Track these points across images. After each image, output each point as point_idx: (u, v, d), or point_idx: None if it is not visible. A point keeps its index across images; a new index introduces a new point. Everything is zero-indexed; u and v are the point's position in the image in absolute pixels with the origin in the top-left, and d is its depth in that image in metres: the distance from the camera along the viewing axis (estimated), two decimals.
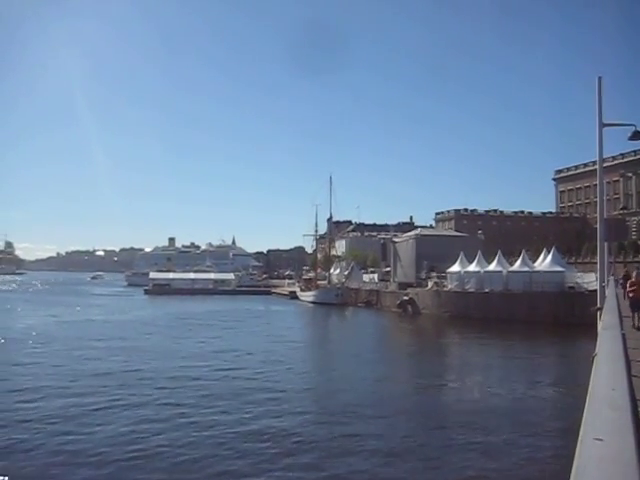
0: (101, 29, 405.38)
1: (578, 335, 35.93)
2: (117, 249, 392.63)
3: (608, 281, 28.64)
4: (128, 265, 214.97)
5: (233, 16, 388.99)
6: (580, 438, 3.22)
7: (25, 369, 30.60)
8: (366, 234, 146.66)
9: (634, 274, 17.47)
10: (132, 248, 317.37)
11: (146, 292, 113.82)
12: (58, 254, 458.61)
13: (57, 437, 18.17)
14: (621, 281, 34.82)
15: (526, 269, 60.25)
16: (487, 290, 60.06)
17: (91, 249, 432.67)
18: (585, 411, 3.93)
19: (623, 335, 10.70)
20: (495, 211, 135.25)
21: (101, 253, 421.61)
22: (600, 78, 18.31)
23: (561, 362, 35.32)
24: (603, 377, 5.27)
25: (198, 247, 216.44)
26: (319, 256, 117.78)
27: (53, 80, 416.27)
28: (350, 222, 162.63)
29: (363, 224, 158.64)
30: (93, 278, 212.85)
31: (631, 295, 16.10)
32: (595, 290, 23.66)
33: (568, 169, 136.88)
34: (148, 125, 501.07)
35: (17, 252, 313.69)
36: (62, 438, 18.05)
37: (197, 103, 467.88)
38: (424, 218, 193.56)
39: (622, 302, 20.69)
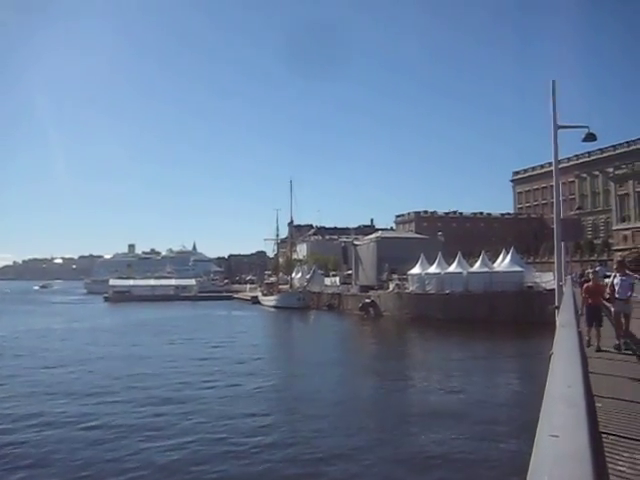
0: (66, 38, 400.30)
1: (537, 333, 36.38)
2: (76, 256, 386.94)
3: (565, 280, 29.22)
4: (87, 273, 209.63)
5: (201, 22, 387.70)
6: (537, 435, 3.25)
7: None
8: (327, 237, 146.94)
9: (590, 276, 16.23)
10: (91, 255, 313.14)
11: (106, 299, 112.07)
12: (15, 262, 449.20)
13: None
14: (578, 280, 35.60)
15: (486, 270, 60.85)
16: (448, 291, 60.46)
17: (49, 257, 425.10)
18: (542, 408, 3.97)
19: (579, 333, 10.89)
20: (455, 212, 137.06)
21: (59, 261, 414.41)
22: (554, 82, 18.61)
23: (520, 360, 35.72)
24: (559, 375, 5.34)
25: (158, 253, 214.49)
26: (280, 260, 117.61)
27: (15, 89, 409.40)
28: (311, 226, 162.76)
29: (324, 227, 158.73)
30: (42, 287, 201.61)
31: (590, 301, 12.90)
32: (553, 289, 24.10)
33: (525, 171, 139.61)
34: (109, 133, 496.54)
35: None
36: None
37: (157, 109, 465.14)
38: (385, 220, 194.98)
39: (579, 300, 21.08)
